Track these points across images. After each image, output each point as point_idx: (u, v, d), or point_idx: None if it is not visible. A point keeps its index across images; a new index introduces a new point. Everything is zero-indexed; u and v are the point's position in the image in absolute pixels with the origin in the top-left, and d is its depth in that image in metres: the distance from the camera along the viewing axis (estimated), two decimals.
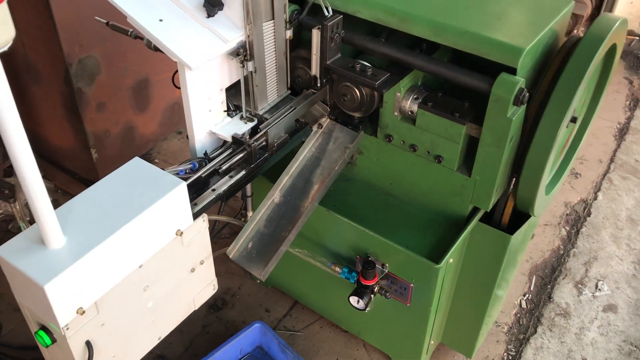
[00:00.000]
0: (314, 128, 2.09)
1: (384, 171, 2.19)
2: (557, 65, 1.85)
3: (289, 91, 2.01)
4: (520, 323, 2.84)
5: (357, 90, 1.97)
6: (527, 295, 2.96)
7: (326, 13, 1.87)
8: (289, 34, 1.86)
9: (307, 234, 2.33)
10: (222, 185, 1.76)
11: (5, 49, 1.08)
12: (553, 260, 3.15)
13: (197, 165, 1.75)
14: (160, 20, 1.64)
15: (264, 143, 1.86)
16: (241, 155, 1.79)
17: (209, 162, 1.78)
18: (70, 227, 1.44)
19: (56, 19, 2.76)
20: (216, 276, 1.85)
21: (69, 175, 3.51)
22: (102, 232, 1.44)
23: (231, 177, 1.79)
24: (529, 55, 1.75)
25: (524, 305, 2.92)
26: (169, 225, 1.59)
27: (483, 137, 1.82)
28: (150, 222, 1.52)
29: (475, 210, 2.09)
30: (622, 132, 4.08)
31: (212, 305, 2.84)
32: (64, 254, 1.39)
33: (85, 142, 3.27)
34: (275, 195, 2.03)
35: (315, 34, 1.87)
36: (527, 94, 1.72)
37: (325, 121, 2.12)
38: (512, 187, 2.04)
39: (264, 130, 1.84)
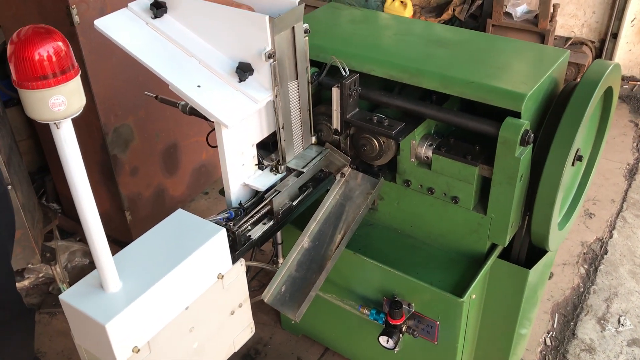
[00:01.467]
0: (337, 177, 2.25)
1: (404, 214, 2.33)
2: (557, 108, 2.00)
3: (312, 144, 2.19)
4: (546, 359, 2.88)
5: (375, 141, 2.14)
6: (550, 332, 3.02)
7: (343, 73, 2.06)
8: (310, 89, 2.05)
9: (335, 279, 2.45)
10: (257, 232, 1.91)
11: (78, 114, 1.27)
12: (574, 297, 3.21)
13: (233, 214, 1.91)
14: (199, 86, 1.83)
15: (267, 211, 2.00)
16: (269, 207, 1.95)
17: (244, 212, 1.94)
18: (125, 272, 1.58)
19: (95, 92, 3.00)
20: (246, 327, 1.96)
21: None
22: (153, 276, 1.58)
23: (264, 224, 1.94)
24: (531, 100, 1.92)
25: (548, 342, 2.97)
26: (211, 269, 1.73)
27: (495, 177, 1.97)
28: (195, 266, 1.66)
29: (493, 246, 2.21)
30: (632, 172, 4.19)
31: (245, 356, 2.93)
32: (121, 297, 1.53)
33: (120, 205, 3.46)
34: (304, 241, 2.17)
35: (335, 92, 2.06)
36: (532, 135, 1.87)
37: (347, 170, 2.28)
38: (526, 223, 2.16)
39: (269, 199, 1.99)
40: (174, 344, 1.70)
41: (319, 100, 2.30)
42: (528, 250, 2.29)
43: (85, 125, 3.17)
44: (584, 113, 1.90)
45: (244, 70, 1.85)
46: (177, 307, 1.66)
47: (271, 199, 1.93)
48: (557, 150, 1.93)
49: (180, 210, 1.81)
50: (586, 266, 3.42)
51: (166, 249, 1.67)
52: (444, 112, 2.01)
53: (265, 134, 2.03)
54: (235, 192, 1.99)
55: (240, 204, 1.99)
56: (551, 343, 2.96)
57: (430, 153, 2.08)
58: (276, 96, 1.90)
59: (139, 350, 1.56)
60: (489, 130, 1.92)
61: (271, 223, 1.95)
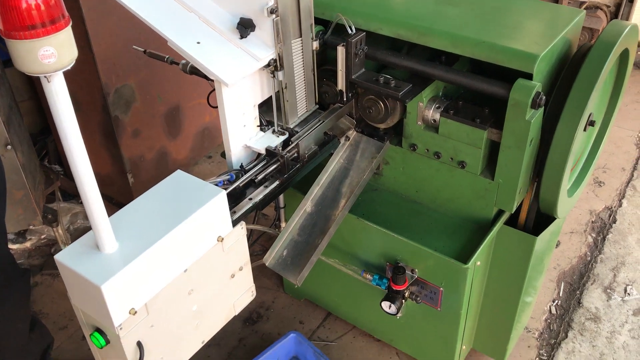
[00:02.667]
0: (342, 140, 2.20)
1: (409, 179, 2.28)
2: (571, 70, 1.93)
3: (317, 106, 2.13)
4: (551, 328, 2.86)
5: (381, 103, 2.08)
6: (556, 301, 2.99)
7: (349, 31, 1.99)
8: (315, 44, 1.98)
9: (338, 243, 2.42)
10: (258, 194, 1.87)
11: (69, 67, 1.21)
12: (581, 266, 3.18)
13: (234, 176, 1.86)
14: (198, 42, 1.77)
15: (295, 155, 1.96)
16: (275, 166, 1.90)
17: (245, 174, 1.89)
18: (121, 233, 1.55)
19: (95, 52, 2.94)
20: (247, 290, 1.94)
21: (106, 200, 3.65)
22: (150, 237, 1.55)
23: (266, 187, 1.90)
24: (544, 61, 1.84)
25: (553, 311, 2.94)
26: (210, 232, 1.70)
27: (504, 141, 1.91)
28: (194, 229, 1.62)
29: (500, 213, 2.16)
30: None
31: (248, 319, 2.93)
32: (117, 258, 1.50)
33: (122, 168, 3.42)
34: (307, 205, 2.13)
35: (340, 51, 1.99)
36: (544, 97, 1.80)
37: (352, 133, 2.22)
38: (534, 189, 2.11)
39: (296, 142, 1.94)
40: (172, 307, 1.67)
41: (324, 61, 2.23)
42: (535, 217, 2.24)
43: (86, 85, 3.12)
44: (599, 75, 1.83)
45: (245, 27, 1.78)
46: (175, 270, 1.63)
47: (297, 143, 1.92)
48: (569, 114, 1.87)
49: (179, 171, 1.76)
50: (594, 235, 3.38)
51: (164, 210, 1.63)
52: (452, 73, 1.94)
53: (267, 95, 1.97)
54: (236, 153, 1.94)
55: (241, 166, 1.94)
56: (556, 311, 2.94)
57: (437, 116, 2.02)
58: (279, 54, 1.84)
59: (135, 312, 1.54)
60: (499, 92, 1.86)
61: (273, 186, 1.91)
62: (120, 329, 1.53)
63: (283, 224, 2.28)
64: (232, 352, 2.79)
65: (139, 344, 1.60)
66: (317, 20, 2.02)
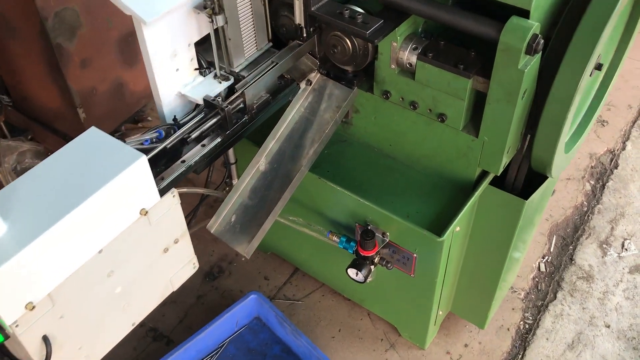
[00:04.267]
0: (302, 85, 1.88)
1: (382, 131, 1.98)
2: (576, 4, 1.59)
3: (271, 43, 1.80)
4: (539, 288, 2.66)
5: (348, 41, 1.75)
6: (546, 257, 2.78)
7: None
8: None
9: (302, 199, 2.16)
10: (194, 155, 1.58)
11: None
12: (576, 218, 2.94)
13: (163, 133, 1.57)
14: None
15: (241, 105, 1.66)
16: (214, 120, 1.60)
17: (178, 129, 1.60)
18: (12, 212, 1.28)
19: None
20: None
21: (59, 137, 3.36)
22: (50, 216, 1.28)
23: (204, 145, 1.61)
24: None
25: (542, 268, 2.74)
26: (130, 205, 1.42)
27: (491, 92, 1.60)
28: (107, 203, 1.35)
29: (484, 173, 1.89)
30: None
31: (208, 274, 2.72)
32: (4, 244, 1.24)
33: (71, 102, 3.10)
34: (261, 162, 1.85)
35: None
36: (542, 41, 1.48)
37: (315, 77, 1.90)
38: (526, 145, 1.83)
39: (241, 91, 1.64)
40: (87, 293, 1.43)
41: None
42: (525, 175, 1.97)
43: (19, 7, 2.74)
44: (613, 10, 1.50)
45: None
46: (85, 252, 1.37)
47: (243, 91, 1.61)
48: (574, 58, 1.55)
49: (93, 129, 1.47)
50: (592, 182, 3.12)
51: (69, 181, 1.35)
52: (432, 6, 1.60)
53: (206, 32, 1.64)
54: (169, 104, 1.63)
55: (174, 119, 1.64)
56: (546, 269, 2.73)
57: (414, 59, 1.70)
58: None
59: (34, 306, 1.29)
60: (487, 32, 1.53)
61: (213, 144, 1.62)
62: (17, 326, 1.29)
63: (235, 182, 2.00)
64: (189, 311, 2.59)
65: (45, 339, 1.37)
66: None
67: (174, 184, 1.54)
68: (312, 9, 1.68)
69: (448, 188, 1.93)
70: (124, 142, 1.50)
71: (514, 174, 1.94)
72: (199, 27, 1.61)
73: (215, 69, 1.68)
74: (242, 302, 2.42)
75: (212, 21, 1.53)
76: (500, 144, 1.70)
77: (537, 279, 2.70)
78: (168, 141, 1.53)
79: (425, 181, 1.97)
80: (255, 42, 1.74)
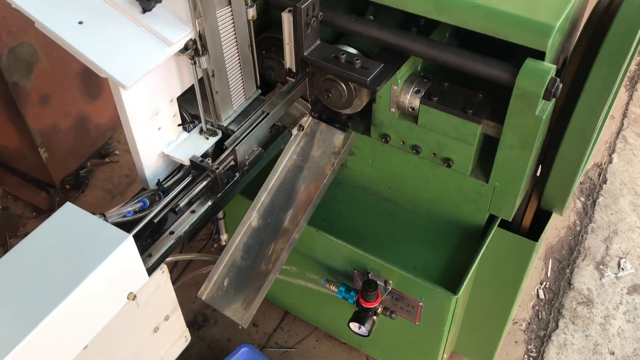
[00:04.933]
0: (294, 131, 1.74)
1: (381, 174, 1.86)
2: (591, 38, 1.49)
3: (259, 91, 1.65)
4: (540, 317, 2.58)
5: (343, 85, 1.61)
6: (544, 283, 2.70)
7: None
8: (251, 13, 1.48)
9: (295, 247, 2.01)
10: (183, 224, 1.43)
11: None
12: (570, 238, 2.88)
13: (147, 203, 1.40)
14: (80, 22, 1.25)
15: (232, 163, 1.51)
16: (204, 183, 1.45)
17: (164, 196, 1.44)
18: None
19: None
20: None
21: (19, 178, 3.13)
22: (21, 326, 1.10)
23: (193, 212, 1.45)
24: (559, 33, 1.40)
25: (542, 295, 2.65)
26: (116, 291, 1.26)
27: (504, 139, 1.49)
28: (91, 295, 1.18)
29: (492, 215, 1.77)
30: (633, 82, 3.75)
31: (192, 323, 2.55)
32: None
33: (31, 141, 2.88)
34: (253, 217, 1.70)
35: (287, 19, 1.49)
36: (560, 85, 1.37)
37: (307, 120, 1.76)
38: (535, 186, 1.73)
39: (231, 148, 1.48)
40: None
41: (265, 25, 1.73)
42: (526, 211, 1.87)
43: None
44: (637, 34, 1.40)
45: None
46: (70, 351, 1.20)
47: (234, 149, 1.45)
48: (591, 97, 1.45)
49: (68, 206, 1.29)
50: (583, 199, 3.06)
51: (43, 275, 1.18)
52: (438, 49, 1.48)
53: (189, 83, 1.48)
54: (150, 166, 1.47)
55: (158, 183, 1.48)
56: (545, 296, 2.65)
57: (417, 103, 1.58)
58: (199, 32, 1.34)
59: None
60: (498, 76, 1.42)
61: (204, 209, 1.46)
62: None
63: (224, 237, 1.85)
64: None
65: None
66: None
67: (163, 259, 1.38)
68: (305, 53, 1.54)
69: (455, 233, 1.82)
70: (104, 217, 1.34)
71: (521, 214, 1.84)
72: (182, 78, 1.45)
73: (200, 123, 1.53)
74: (233, 357, 2.26)
75: (196, 64, 1.37)
76: (514, 189, 1.59)
77: (537, 307, 2.61)
78: (154, 212, 1.36)
79: (430, 226, 1.85)
80: (244, 91, 1.59)
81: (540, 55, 1.38)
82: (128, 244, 1.23)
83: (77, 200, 3.06)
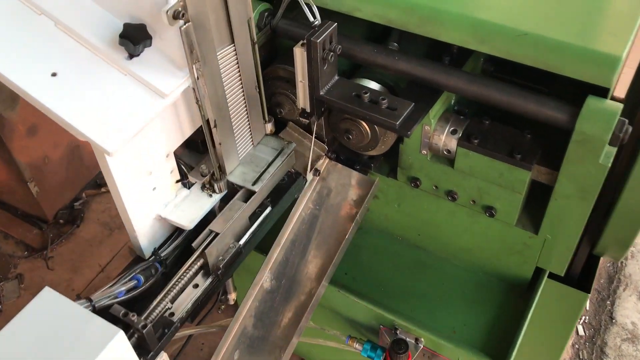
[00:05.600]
0: (309, 176, 1.53)
1: (409, 220, 1.65)
2: None
3: (266, 134, 1.44)
4: (581, 357, 2.36)
5: (366, 126, 1.40)
6: (583, 317, 2.48)
7: (312, 19, 1.27)
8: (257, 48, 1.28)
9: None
10: (185, 303, 1.22)
11: None
12: (608, 265, 2.66)
13: (142, 280, 1.20)
14: (54, 74, 1.05)
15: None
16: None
17: (160, 266, 1.23)
18: None
19: None
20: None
21: (9, 213, 2.94)
22: None
23: (196, 286, 1.24)
24: (621, 64, 1.19)
25: (581, 331, 2.44)
26: None
27: (560, 188, 1.28)
28: None
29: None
30: None
31: None
32: None
33: (19, 176, 2.69)
34: (265, 278, 1.50)
35: (299, 55, 1.29)
36: (630, 128, 1.16)
37: (324, 163, 1.56)
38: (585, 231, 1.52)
39: (238, 214, 1.28)
40: None
41: (272, 54, 1.53)
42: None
43: None
44: None
45: (132, 40, 1.06)
46: None
47: (203, 252, 1.22)
48: None
49: (46, 291, 1.09)
50: None
51: None
52: (481, 85, 1.27)
53: (189, 133, 1.28)
54: (145, 233, 1.26)
55: (155, 252, 1.27)
56: (585, 332, 2.44)
57: (453, 145, 1.37)
58: (197, 78, 1.13)
59: None
60: (554, 117, 1.21)
61: (209, 280, 1.26)
62: None
63: (232, 296, 1.64)
64: None
65: None
66: None
67: (163, 346, 1.18)
68: (321, 93, 1.33)
69: (496, 287, 1.61)
70: (90, 302, 1.13)
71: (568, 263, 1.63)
72: (181, 129, 1.25)
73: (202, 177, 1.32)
74: None
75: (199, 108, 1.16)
76: (569, 243, 1.39)
77: (577, 346, 2.40)
78: (151, 307, 1.15)
79: (467, 278, 1.64)
80: (251, 138, 1.38)
81: (604, 93, 1.17)
82: (119, 340, 1.03)
83: (72, 235, 2.86)
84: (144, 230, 1.26)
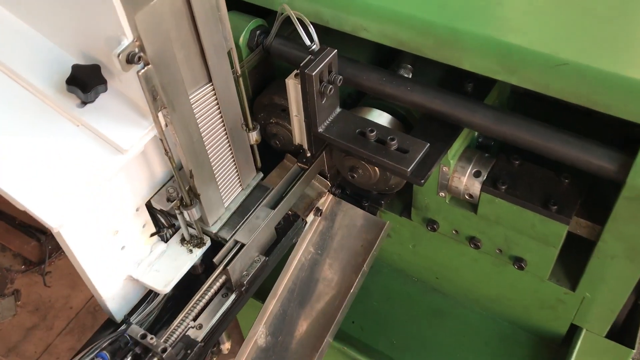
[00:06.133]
0: (309, 217, 1.34)
1: (425, 262, 1.46)
2: None
3: (260, 174, 1.26)
4: None
5: (373, 165, 1.21)
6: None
7: (308, 42, 1.08)
8: (241, 86, 1.09)
9: None
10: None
11: None
12: None
13: (107, 357, 1.04)
14: None
15: (224, 283, 1.13)
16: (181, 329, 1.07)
17: (131, 341, 1.07)
18: None
19: None
20: None
21: (6, 223, 2.82)
22: None
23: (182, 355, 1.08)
24: None
25: None
26: None
27: (604, 246, 1.08)
28: None
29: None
30: None
31: None
32: None
33: None
34: (259, 333, 1.33)
35: (292, 88, 1.10)
36: None
37: (326, 201, 1.37)
38: None
39: (223, 268, 1.10)
40: None
41: (269, 75, 1.34)
42: None
43: None
44: None
45: (81, 86, 0.88)
46: None
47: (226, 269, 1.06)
48: None
49: None
50: None
51: None
52: (512, 125, 1.07)
53: (162, 181, 1.10)
54: (114, 297, 1.10)
55: (125, 319, 1.11)
56: None
57: (476, 189, 1.17)
58: (166, 125, 0.95)
59: None
60: (603, 168, 1.00)
61: (195, 351, 1.09)
62: None
63: (225, 347, 1.48)
64: None
65: None
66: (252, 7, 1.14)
67: None
68: (320, 130, 1.14)
69: (525, 340, 1.42)
70: None
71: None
72: (152, 176, 1.07)
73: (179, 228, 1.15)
74: None
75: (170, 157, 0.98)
76: (613, 304, 1.19)
77: None
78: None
79: (490, 329, 1.45)
80: (239, 181, 1.20)
81: None
82: None
83: None
84: (113, 293, 1.09)
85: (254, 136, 1.16)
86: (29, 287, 2.62)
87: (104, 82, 0.90)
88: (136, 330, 1.04)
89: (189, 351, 1.07)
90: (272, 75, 1.36)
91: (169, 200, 1.03)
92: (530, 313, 1.36)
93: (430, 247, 1.40)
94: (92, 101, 0.91)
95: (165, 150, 0.96)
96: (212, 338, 1.11)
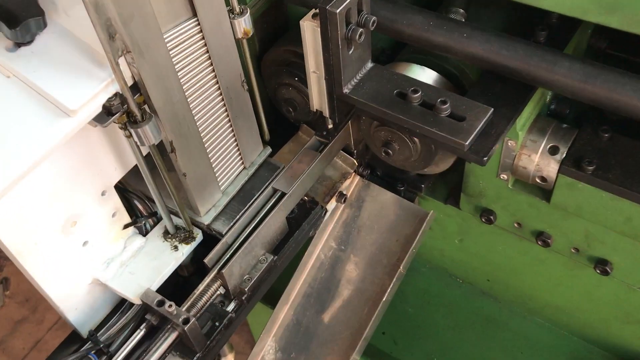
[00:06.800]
0: (330, 205, 1.09)
1: (474, 260, 1.20)
2: None
3: (269, 149, 1.00)
4: None
5: (414, 138, 0.94)
6: None
7: None
8: (242, 26, 0.82)
9: None
10: None
11: None
12: None
13: None
14: None
15: (221, 292, 0.89)
16: (168, 340, 0.83)
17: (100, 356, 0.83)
18: None
19: None
20: None
21: None
22: None
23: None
24: None
25: None
26: None
27: None
28: None
29: None
30: None
31: None
32: None
33: None
34: (268, 348, 1.08)
35: (310, 32, 0.83)
36: None
37: (352, 184, 1.11)
38: None
39: (217, 271, 0.85)
40: None
41: (282, 25, 1.08)
42: None
43: None
44: None
45: (8, 20, 0.63)
46: None
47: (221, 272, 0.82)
48: None
49: None
50: None
51: None
52: (613, 85, 0.79)
53: (134, 160, 0.85)
54: (76, 306, 0.86)
55: (91, 335, 0.87)
56: None
57: (552, 170, 0.90)
58: (133, 77, 0.70)
59: None
60: None
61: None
62: None
63: (229, 359, 1.25)
64: None
65: None
66: None
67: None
68: (345, 90, 0.88)
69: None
70: None
71: None
72: (119, 154, 0.82)
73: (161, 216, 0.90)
74: None
75: (132, 136, 0.72)
76: None
77: None
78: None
79: (556, 345, 1.20)
80: (241, 158, 0.94)
81: None
82: None
83: None
84: (74, 302, 0.85)
85: (241, 25, 0.82)
86: (19, 275, 2.39)
87: (40, 14, 0.64)
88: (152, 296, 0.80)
89: None
90: (285, 26, 1.10)
91: (108, 113, 0.71)
92: (611, 328, 1.10)
93: (482, 243, 1.14)
94: (28, 42, 0.66)
95: (131, 114, 0.71)
96: None
